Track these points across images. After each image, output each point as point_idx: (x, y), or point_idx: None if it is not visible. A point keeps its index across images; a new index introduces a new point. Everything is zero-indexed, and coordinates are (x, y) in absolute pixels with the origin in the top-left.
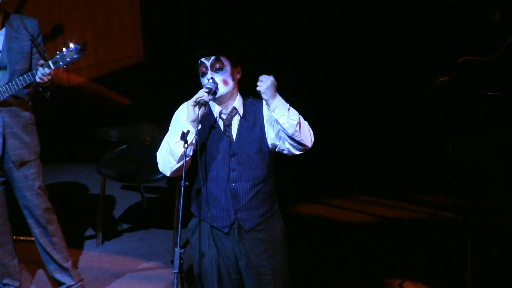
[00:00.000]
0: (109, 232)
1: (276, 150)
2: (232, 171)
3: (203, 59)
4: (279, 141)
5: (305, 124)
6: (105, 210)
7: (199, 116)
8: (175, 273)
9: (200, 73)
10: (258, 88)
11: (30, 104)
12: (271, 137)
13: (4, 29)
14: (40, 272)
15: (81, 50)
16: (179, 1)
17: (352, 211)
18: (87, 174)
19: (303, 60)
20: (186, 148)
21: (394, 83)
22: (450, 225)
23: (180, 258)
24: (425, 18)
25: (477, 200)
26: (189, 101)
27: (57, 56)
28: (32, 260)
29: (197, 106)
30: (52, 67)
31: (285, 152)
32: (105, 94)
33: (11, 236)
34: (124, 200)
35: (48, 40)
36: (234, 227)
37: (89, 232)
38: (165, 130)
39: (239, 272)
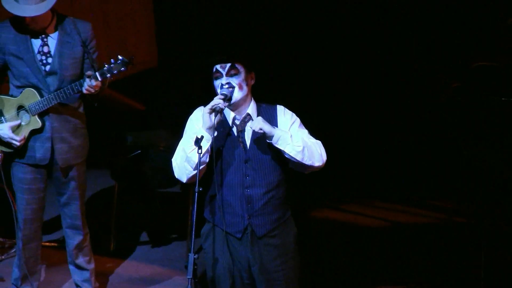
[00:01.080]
0: (123, 237)
1: (289, 165)
2: (246, 177)
3: (218, 67)
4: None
5: (314, 144)
6: (118, 215)
7: (215, 123)
8: (188, 278)
9: (213, 77)
10: (254, 128)
11: (81, 109)
12: None
13: (57, 33)
14: (58, 278)
15: (128, 63)
16: (193, 6)
17: (366, 216)
18: (100, 180)
19: (316, 64)
20: (200, 154)
21: (409, 89)
22: (464, 230)
23: (194, 264)
24: (439, 23)
25: (491, 204)
26: (204, 108)
27: (105, 68)
28: (50, 265)
29: (213, 113)
30: (99, 79)
31: (298, 169)
32: (119, 100)
33: (40, 242)
34: (138, 205)
35: None
36: (247, 232)
37: (103, 237)
38: (179, 135)
39: (252, 277)
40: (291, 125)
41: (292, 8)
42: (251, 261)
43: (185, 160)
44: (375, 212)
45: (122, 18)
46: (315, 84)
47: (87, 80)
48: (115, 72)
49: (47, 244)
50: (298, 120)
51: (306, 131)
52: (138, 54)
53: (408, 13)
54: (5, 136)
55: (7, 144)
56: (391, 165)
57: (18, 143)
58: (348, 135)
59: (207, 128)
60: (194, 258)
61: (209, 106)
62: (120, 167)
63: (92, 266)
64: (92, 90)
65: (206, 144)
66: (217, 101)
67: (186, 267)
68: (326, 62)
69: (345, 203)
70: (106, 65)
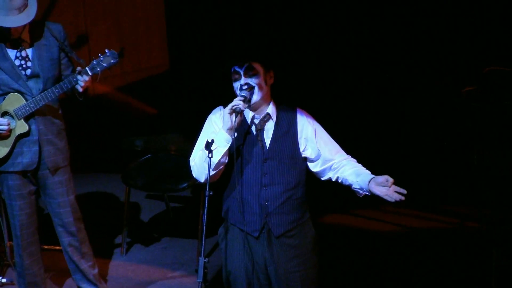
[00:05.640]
0: (134, 241)
1: (308, 169)
2: (264, 175)
3: (236, 67)
4: (314, 162)
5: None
6: (130, 219)
7: (235, 124)
8: (199, 282)
9: (232, 79)
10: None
11: (60, 111)
12: (304, 152)
13: (31, 37)
14: (64, 282)
15: (118, 55)
16: (205, 10)
17: (380, 221)
18: (112, 184)
19: (338, 69)
20: (211, 158)
21: (422, 94)
22: (476, 235)
23: (205, 268)
24: (452, 28)
25: (503, 210)
26: (224, 109)
27: (94, 62)
28: (56, 270)
29: (234, 114)
30: (90, 74)
31: (316, 172)
32: (130, 104)
33: (39, 245)
34: (149, 209)
35: (74, 49)
36: (264, 231)
37: (114, 241)
38: (191, 139)
39: (269, 278)
40: (315, 131)
41: (309, 5)
42: (267, 260)
43: (205, 161)
44: (388, 217)
45: (134, 22)
46: (331, 88)
47: (79, 76)
48: (105, 65)
49: (51, 248)
50: (318, 125)
51: (331, 138)
52: (150, 59)
53: (422, 16)
54: None
55: None
56: (404, 170)
57: (5, 127)
58: (361, 139)
59: (227, 129)
60: (205, 262)
61: (229, 107)
62: (131, 171)
63: (96, 271)
64: (84, 86)
65: (226, 145)
66: (237, 102)
67: (196, 270)
68: (349, 64)
69: (358, 208)
70: (95, 60)
